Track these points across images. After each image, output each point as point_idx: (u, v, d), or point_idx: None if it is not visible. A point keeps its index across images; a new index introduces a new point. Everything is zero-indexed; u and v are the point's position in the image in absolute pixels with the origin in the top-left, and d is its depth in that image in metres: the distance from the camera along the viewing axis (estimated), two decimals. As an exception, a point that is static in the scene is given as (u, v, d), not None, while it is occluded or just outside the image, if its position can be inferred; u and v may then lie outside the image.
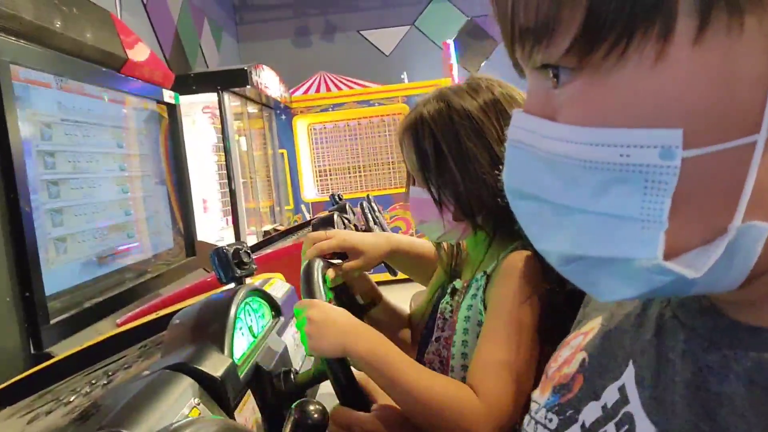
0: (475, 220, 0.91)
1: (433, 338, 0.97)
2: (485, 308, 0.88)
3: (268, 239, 2.71)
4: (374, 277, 1.15)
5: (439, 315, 0.97)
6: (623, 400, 0.37)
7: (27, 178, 1.68)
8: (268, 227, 4.39)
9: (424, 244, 1.14)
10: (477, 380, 0.77)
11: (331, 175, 5.71)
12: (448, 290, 0.98)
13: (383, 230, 2.00)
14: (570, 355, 0.46)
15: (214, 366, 0.69)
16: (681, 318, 0.37)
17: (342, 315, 0.80)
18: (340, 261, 1.03)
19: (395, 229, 5.11)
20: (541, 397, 0.47)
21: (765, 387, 0.30)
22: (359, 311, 1.09)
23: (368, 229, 1.93)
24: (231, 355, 0.73)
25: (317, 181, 5.70)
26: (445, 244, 1.05)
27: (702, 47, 0.27)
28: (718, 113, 0.28)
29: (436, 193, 0.91)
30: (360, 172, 5.67)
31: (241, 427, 0.42)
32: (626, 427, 0.36)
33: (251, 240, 3.81)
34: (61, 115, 1.97)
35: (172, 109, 2.89)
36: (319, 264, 0.95)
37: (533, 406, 0.47)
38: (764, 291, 0.32)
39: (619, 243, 0.30)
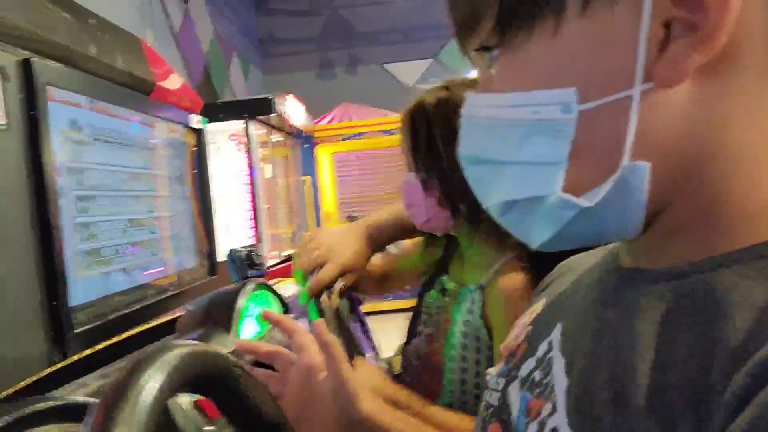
0: (457, 207, 0.93)
1: (417, 333, 0.99)
2: (486, 326, 0.90)
3: (286, 259, 2.77)
4: (368, 307, 1.17)
5: (424, 309, 0.99)
6: (549, 350, 0.43)
7: (58, 193, 1.77)
8: (288, 252, 4.45)
9: (394, 212, 1.15)
10: None
11: (352, 202, 5.78)
12: (437, 286, 1.00)
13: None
14: (519, 331, 0.52)
15: (222, 344, 0.73)
16: (599, 277, 0.43)
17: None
18: (340, 284, 1.04)
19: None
20: (495, 369, 0.52)
21: (633, 311, 0.36)
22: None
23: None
24: (238, 336, 0.78)
25: (339, 208, 5.77)
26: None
27: (586, 19, 0.34)
28: (603, 72, 0.34)
29: (424, 177, 0.95)
30: (381, 200, 5.73)
31: (211, 348, 0.46)
32: (547, 368, 0.42)
33: (271, 263, 3.87)
34: (92, 135, 2.06)
35: (199, 135, 3.00)
36: (327, 305, 0.97)
37: (488, 379, 0.52)
38: (658, 235, 0.37)
39: (535, 184, 0.37)
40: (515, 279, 0.88)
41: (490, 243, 0.93)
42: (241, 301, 0.83)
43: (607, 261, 0.44)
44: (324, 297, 0.96)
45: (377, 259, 1.19)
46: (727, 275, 0.32)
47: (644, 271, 0.38)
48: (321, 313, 0.93)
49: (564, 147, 0.35)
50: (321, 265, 0.99)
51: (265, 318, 0.75)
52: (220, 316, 0.80)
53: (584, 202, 0.35)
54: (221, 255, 3.14)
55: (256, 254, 1.03)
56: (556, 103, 0.35)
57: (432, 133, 0.94)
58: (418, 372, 0.97)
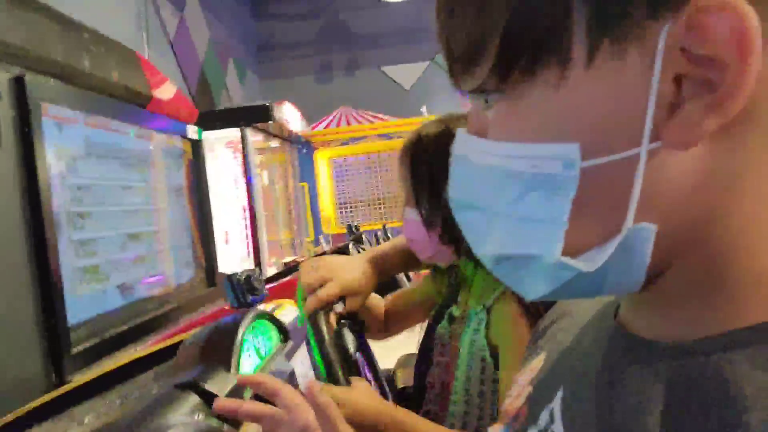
0: (460, 245, 0.92)
1: (434, 363, 0.98)
2: (490, 347, 0.90)
3: (286, 270, 2.75)
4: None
5: (437, 340, 0.98)
6: (551, 420, 0.41)
7: (53, 210, 1.75)
8: (288, 259, 4.43)
9: (400, 243, 1.10)
10: None
11: (351, 207, 5.77)
12: (446, 316, 0.99)
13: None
14: (520, 390, 0.49)
15: (219, 384, 0.71)
16: (600, 341, 0.41)
17: (367, 407, 0.77)
18: (341, 306, 0.99)
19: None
20: (496, 431, 0.49)
21: (639, 397, 0.34)
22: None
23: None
24: (238, 372, 0.76)
25: (338, 213, 5.76)
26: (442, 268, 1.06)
27: (593, 70, 0.31)
28: (609, 128, 0.32)
29: (425, 214, 0.93)
30: (380, 204, 5.72)
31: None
32: None
33: (271, 272, 3.86)
34: (88, 150, 2.04)
35: (196, 145, 2.98)
36: (324, 323, 0.94)
37: None
38: (659, 297, 0.35)
39: (532, 242, 0.35)
40: (506, 307, 0.88)
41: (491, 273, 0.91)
42: (240, 336, 0.81)
43: (607, 316, 0.42)
44: (322, 317, 0.94)
45: (381, 300, 1.16)
46: (738, 362, 0.30)
47: (647, 343, 0.36)
48: (318, 333, 0.92)
49: (564, 205, 0.33)
50: (323, 283, 0.96)
51: (241, 383, 0.69)
52: (218, 351, 0.78)
53: (585, 266, 0.33)
54: (220, 265, 3.13)
55: (256, 278, 1.01)
56: (557, 158, 0.32)
57: (433, 169, 0.92)
58: (441, 401, 0.96)
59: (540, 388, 0.46)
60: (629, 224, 0.32)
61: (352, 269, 1.00)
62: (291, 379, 0.93)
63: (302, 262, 1.04)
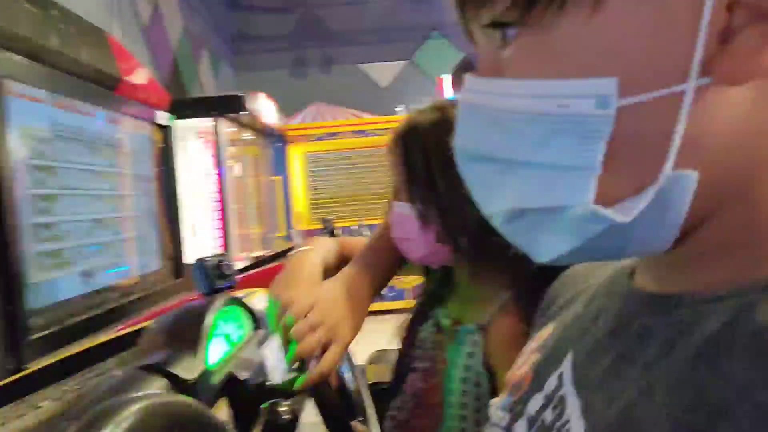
0: (458, 243, 0.85)
1: (413, 367, 0.93)
2: (487, 370, 0.84)
3: (257, 263, 2.71)
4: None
5: (418, 343, 0.94)
6: (559, 385, 0.38)
7: (14, 192, 1.68)
8: (258, 253, 4.37)
9: (382, 246, 0.96)
10: None
11: (324, 203, 5.73)
12: (432, 320, 0.94)
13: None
14: (525, 358, 0.46)
15: (187, 369, 0.68)
16: (613, 301, 0.38)
17: None
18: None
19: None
20: (498, 401, 0.47)
21: (672, 344, 0.30)
22: None
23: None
24: (205, 360, 0.73)
25: (311, 208, 5.72)
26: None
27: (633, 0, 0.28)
28: (651, 62, 0.29)
29: (421, 209, 0.85)
30: (354, 200, 5.70)
31: (188, 402, 0.41)
32: (559, 408, 0.37)
33: (240, 265, 3.80)
34: (54, 132, 1.98)
35: (166, 132, 2.91)
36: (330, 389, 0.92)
37: (491, 411, 0.47)
38: (690, 254, 0.32)
39: (556, 192, 0.31)
40: (506, 330, 0.81)
41: (489, 279, 0.86)
42: (209, 320, 0.78)
43: (622, 282, 0.38)
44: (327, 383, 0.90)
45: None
46: None
47: (671, 296, 0.33)
48: (322, 399, 0.89)
49: (597, 149, 0.29)
50: (324, 348, 0.82)
51: None
52: (186, 336, 0.74)
53: (619, 216, 0.29)
54: (187, 257, 3.07)
55: (226, 264, 0.98)
56: (590, 95, 0.29)
57: (428, 160, 0.84)
58: (412, 408, 0.92)
59: (547, 355, 0.43)
60: (668, 171, 0.29)
61: (350, 318, 0.86)
62: (261, 365, 0.90)
63: (292, 298, 0.86)
